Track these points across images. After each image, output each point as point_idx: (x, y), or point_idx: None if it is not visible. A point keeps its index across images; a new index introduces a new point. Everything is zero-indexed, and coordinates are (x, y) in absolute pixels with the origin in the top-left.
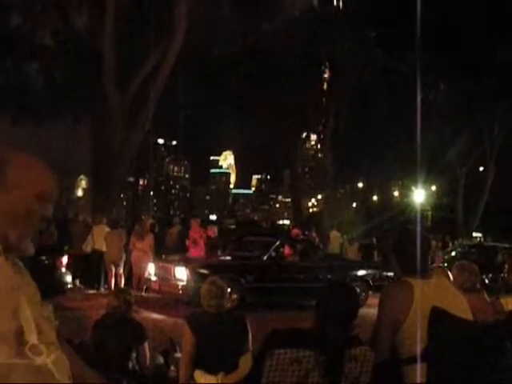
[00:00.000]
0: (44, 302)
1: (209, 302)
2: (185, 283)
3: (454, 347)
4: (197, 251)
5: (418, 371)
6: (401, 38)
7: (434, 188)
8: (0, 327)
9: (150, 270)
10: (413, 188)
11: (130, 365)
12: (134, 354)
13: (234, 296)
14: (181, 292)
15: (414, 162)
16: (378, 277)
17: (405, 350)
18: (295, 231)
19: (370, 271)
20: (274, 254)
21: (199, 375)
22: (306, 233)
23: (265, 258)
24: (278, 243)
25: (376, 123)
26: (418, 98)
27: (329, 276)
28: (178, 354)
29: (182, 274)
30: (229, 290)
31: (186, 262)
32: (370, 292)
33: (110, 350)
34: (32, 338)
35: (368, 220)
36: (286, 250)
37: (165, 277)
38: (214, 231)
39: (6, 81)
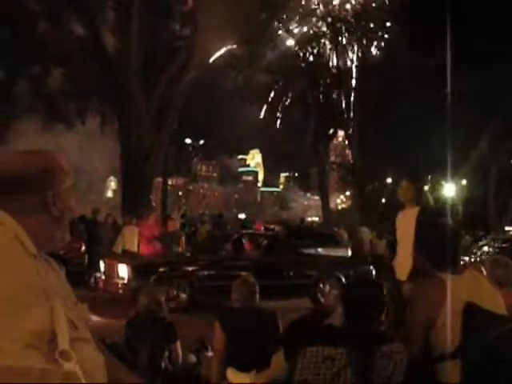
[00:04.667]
0: (79, 302)
1: (240, 300)
2: (125, 281)
3: (488, 344)
4: (149, 249)
5: (453, 369)
6: (427, 31)
7: (464, 182)
8: (36, 326)
9: (101, 267)
10: (442, 182)
11: (163, 364)
12: (166, 354)
13: (183, 296)
14: (121, 291)
15: (444, 155)
16: (352, 274)
17: (438, 347)
18: (258, 226)
19: (343, 268)
20: (232, 248)
21: (231, 373)
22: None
23: (221, 253)
24: (235, 237)
25: (404, 117)
26: (448, 90)
27: (292, 273)
28: (210, 353)
29: (123, 271)
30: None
31: (130, 259)
32: None
33: (142, 349)
34: (64, 343)
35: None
36: (247, 244)
37: (109, 274)
38: (174, 225)
39: (35, 87)
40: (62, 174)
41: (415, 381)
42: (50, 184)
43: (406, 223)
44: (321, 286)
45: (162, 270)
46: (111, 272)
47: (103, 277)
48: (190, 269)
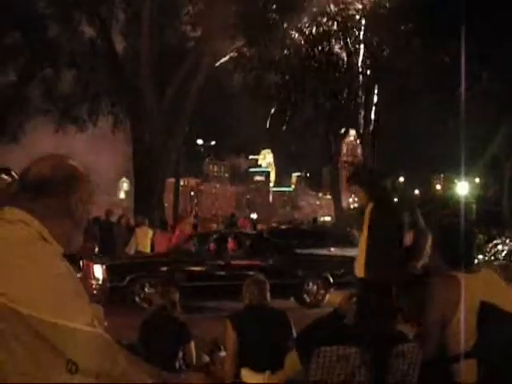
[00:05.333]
0: (94, 304)
1: (250, 299)
2: (100, 282)
3: (504, 343)
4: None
5: (468, 369)
6: (441, 27)
7: (477, 180)
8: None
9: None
10: (455, 181)
11: (177, 364)
12: (181, 354)
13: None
14: (95, 292)
15: (457, 154)
16: (339, 274)
17: (454, 346)
18: (242, 222)
19: (330, 268)
20: (213, 248)
21: (246, 374)
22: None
23: (202, 253)
24: (215, 236)
25: (417, 115)
26: (462, 88)
27: (276, 272)
28: (223, 353)
29: (98, 272)
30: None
31: (106, 260)
32: (331, 290)
33: (157, 349)
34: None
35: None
36: (230, 244)
37: (86, 275)
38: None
39: (48, 89)
40: (85, 181)
41: (430, 380)
42: (74, 190)
43: (364, 221)
44: (307, 285)
45: (138, 270)
46: (87, 272)
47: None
48: (169, 269)
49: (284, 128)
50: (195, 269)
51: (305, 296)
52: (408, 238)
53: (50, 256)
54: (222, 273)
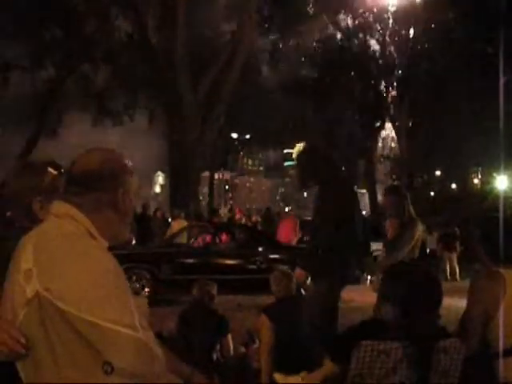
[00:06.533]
0: (138, 297)
1: (280, 291)
2: None
3: None
4: None
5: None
6: (482, 17)
7: None
8: (135, 311)
9: None
10: (494, 175)
11: (214, 356)
12: (218, 346)
13: (146, 289)
14: None
15: (496, 147)
16: None
17: (497, 343)
18: (238, 215)
19: None
20: (205, 240)
21: (279, 377)
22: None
23: (190, 245)
24: (208, 229)
25: (455, 108)
26: (501, 81)
27: (267, 266)
28: (256, 345)
29: None
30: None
31: None
32: None
33: (195, 341)
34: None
35: (447, 209)
36: (223, 236)
37: None
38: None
39: (86, 84)
40: (131, 174)
41: (472, 376)
42: (121, 183)
43: None
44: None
45: (123, 262)
46: None
47: None
48: (155, 261)
49: (320, 121)
50: (182, 261)
51: (301, 290)
52: (391, 227)
53: (97, 252)
54: (212, 265)
